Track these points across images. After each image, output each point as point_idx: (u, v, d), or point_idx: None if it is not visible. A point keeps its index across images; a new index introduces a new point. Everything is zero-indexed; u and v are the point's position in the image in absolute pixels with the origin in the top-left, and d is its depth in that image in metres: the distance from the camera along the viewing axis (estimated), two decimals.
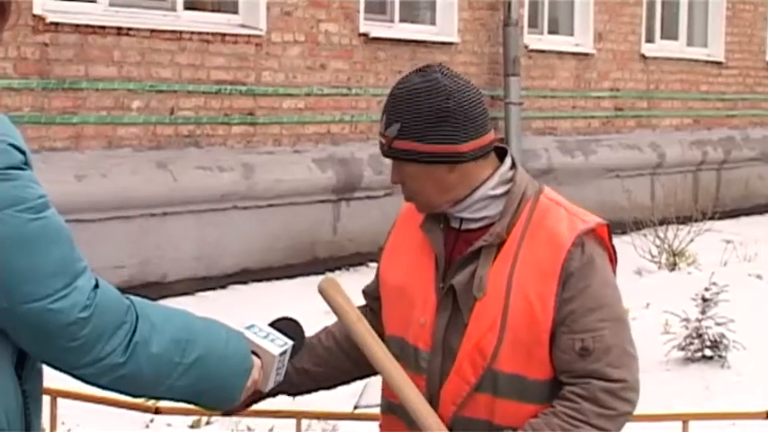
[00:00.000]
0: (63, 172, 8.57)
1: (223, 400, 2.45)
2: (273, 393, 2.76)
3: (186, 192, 9.35)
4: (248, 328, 2.57)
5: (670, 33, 15.53)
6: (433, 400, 2.62)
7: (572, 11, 13.87)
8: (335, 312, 2.69)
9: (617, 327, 2.60)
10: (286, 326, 2.63)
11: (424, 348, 2.64)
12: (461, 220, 2.67)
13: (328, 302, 2.67)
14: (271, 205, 10.06)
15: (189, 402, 2.44)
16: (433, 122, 2.55)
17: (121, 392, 2.33)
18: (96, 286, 2.23)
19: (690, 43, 15.85)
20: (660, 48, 15.13)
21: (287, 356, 2.59)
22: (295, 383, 2.88)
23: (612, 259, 2.67)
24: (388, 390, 2.75)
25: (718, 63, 15.98)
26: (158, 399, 2.39)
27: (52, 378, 4.68)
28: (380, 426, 2.86)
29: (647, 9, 14.79)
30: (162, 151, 9.38)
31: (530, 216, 2.62)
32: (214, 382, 2.39)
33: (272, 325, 2.63)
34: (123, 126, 9.15)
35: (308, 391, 2.96)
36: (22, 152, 2.20)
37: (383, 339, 2.70)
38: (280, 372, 2.58)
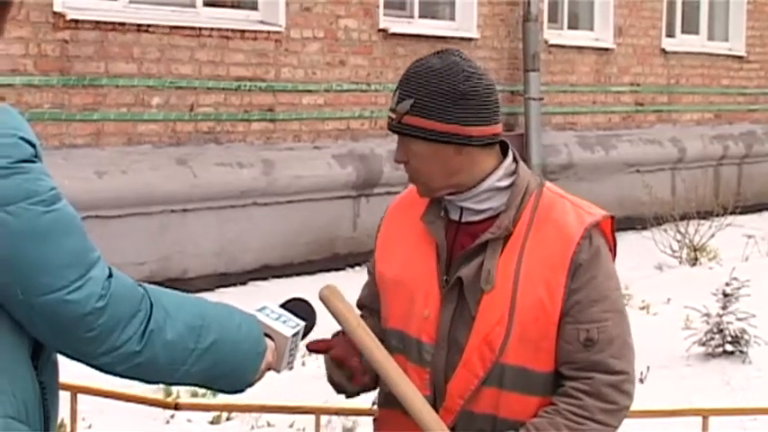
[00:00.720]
0: (83, 169, 8.60)
1: (238, 383, 2.47)
2: (356, 393, 2.79)
3: (206, 188, 9.37)
4: (260, 310, 2.59)
5: (691, 28, 15.47)
6: (439, 394, 2.62)
7: (592, 6, 13.83)
8: (336, 319, 2.68)
9: (619, 318, 2.62)
10: (297, 306, 2.65)
11: (428, 341, 2.63)
12: (462, 211, 2.66)
13: (329, 309, 2.67)
14: (290, 201, 10.07)
15: (204, 387, 2.47)
16: (445, 102, 2.55)
17: (138, 380, 2.35)
18: (110, 276, 2.25)
19: (711, 37, 15.79)
20: (681, 42, 15.07)
21: (299, 337, 2.61)
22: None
23: (613, 252, 2.68)
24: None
25: (740, 57, 15.92)
26: (174, 385, 2.40)
27: (73, 374, 4.70)
28: (377, 420, 2.85)
29: (667, 4, 14.74)
30: (182, 148, 9.40)
31: (534, 209, 2.62)
32: (228, 366, 2.41)
33: (283, 306, 2.64)
34: (143, 123, 9.18)
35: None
36: (33, 145, 2.21)
37: (383, 342, 2.69)
38: (293, 353, 2.60)
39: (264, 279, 9.79)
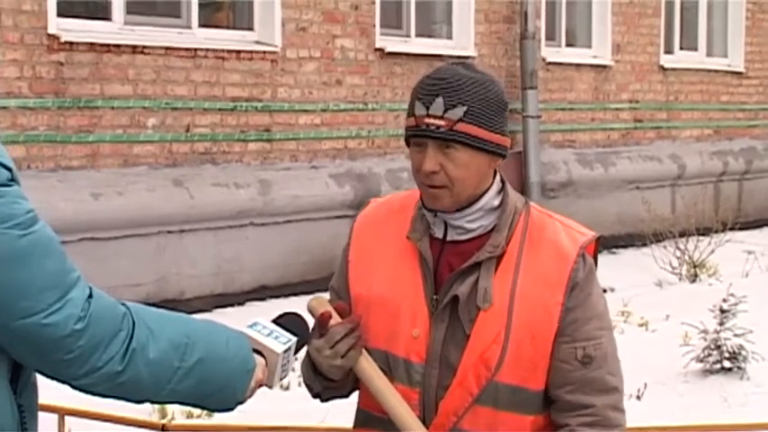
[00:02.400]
0: (79, 190, 8.61)
1: (227, 401, 2.45)
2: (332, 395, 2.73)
3: (203, 209, 9.36)
4: (251, 326, 2.57)
5: (689, 44, 15.47)
6: (429, 413, 2.59)
7: (589, 23, 13.84)
8: None
9: (610, 335, 2.65)
10: (290, 321, 2.63)
11: (418, 361, 2.59)
12: (446, 230, 2.64)
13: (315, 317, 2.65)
14: (288, 221, 10.06)
15: (193, 405, 2.45)
16: (495, 111, 2.55)
17: (123, 399, 2.33)
18: (90, 296, 2.24)
19: (709, 54, 15.78)
20: (679, 59, 15.07)
21: (291, 352, 2.59)
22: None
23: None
24: (364, 401, 2.72)
25: (739, 73, 15.91)
26: (161, 403, 2.38)
27: (59, 396, 4.68)
28: None
29: (665, 20, 14.74)
30: (178, 169, 9.40)
31: (525, 228, 2.62)
32: (216, 384, 2.40)
33: (276, 321, 2.62)
34: (139, 144, 9.17)
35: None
36: (8, 168, 2.20)
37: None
38: (285, 368, 2.58)
39: (262, 299, 9.77)
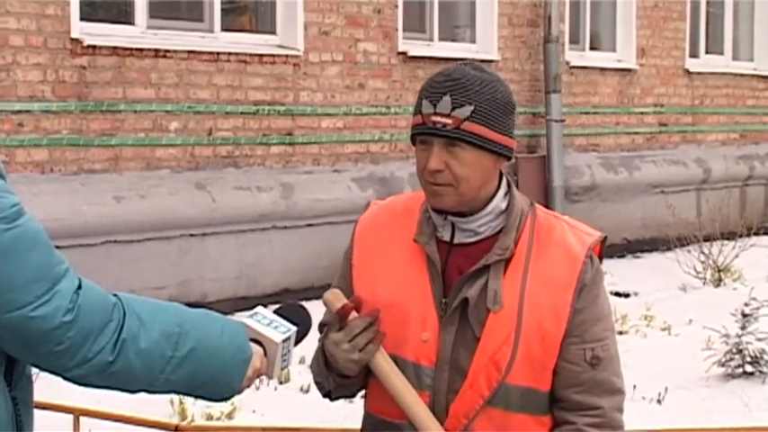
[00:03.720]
0: (102, 194, 8.64)
1: (222, 390, 2.46)
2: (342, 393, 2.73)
3: (225, 212, 9.39)
4: (251, 316, 2.57)
5: (715, 48, 15.41)
6: (440, 417, 2.58)
7: (614, 26, 13.80)
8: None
9: (614, 336, 2.67)
10: (291, 311, 2.63)
11: (428, 365, 2.59)
12: (454, 232, 2.63)
13: (332, 312, 2.64)
14: (310, 225, 10.07)
15: (189, 395, 2.45)
16: (502, 112, 2.55)
17: (117, 389, 2.34)
18: (79, 287, 2.24)
19: (735, 57, 15.71)
20: (705, 63, 15.01)
21: (291, 342, 2.59)
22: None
23: None
24: (373, 405, 2.72)
25: (765, 77, 15.82)
26: (157, 393, 2.38)
27: (74, 397, 4.70)
28: None
29: (690, 24, 14.68)
30: (200, 172, 9.43)
31: (532, 230, 2.62)
32: (211, 373, 2.40)
33: (277, 311, 2.62)
34: (161, 147, 9.21)
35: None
36: None
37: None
38: (286, 358, 2.57)
39: (294, 302, 9.76)
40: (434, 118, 2.53)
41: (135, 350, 2.27)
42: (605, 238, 2.69)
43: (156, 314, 2.34)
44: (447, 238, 2.64)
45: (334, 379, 2.67)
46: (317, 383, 2.75)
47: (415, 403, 2.57)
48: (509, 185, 2.66)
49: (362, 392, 2.81)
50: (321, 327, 2.79)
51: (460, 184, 2.55)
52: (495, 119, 2.54)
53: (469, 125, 2.51)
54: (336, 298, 2.62)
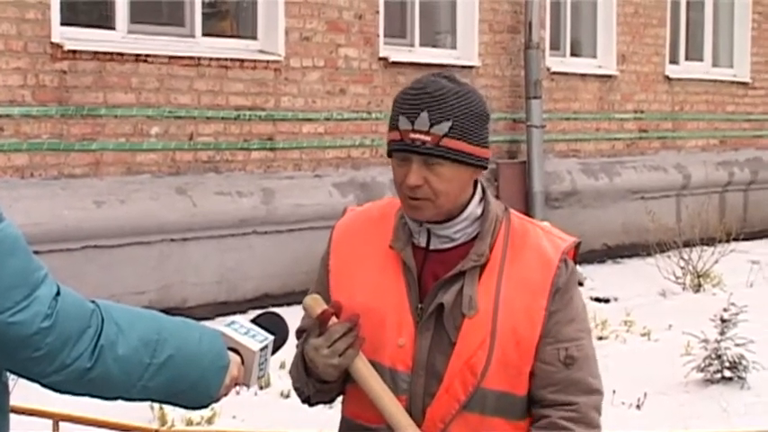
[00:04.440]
0: (82, 198, 8.63)
1: (200, 398, 2.46)
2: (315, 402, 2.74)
3: (206, 217, 9.38)
4: (228, 325, 2.58)
5: (695, 54, 15.47)
6: (416, 421, 2.59)
7: (594, 33, 13.84)
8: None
9: (590, 337, 2.69)
10: (268, 321, 2.64)
11: (404, 370, 2.60)
12: (429, 238, 2.65)
13: (312, 317, 2.64)
14: (291, 230, 10.07)
15: (166, 402, 2.45)
16: (478, 125, 2.55)
17: (95, 396, 2.34)
18: (58, 293, 2.24)
19: (715, 64, 15.78)
20: (685, 69, 15.07)
21: (269, 351, 2.60)
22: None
23: None
24: (350, 409, 2.73)
25: (744, 83, 15.90)
26: (134, 400, 2.38)
27: (53, 402, 4.68)
28: None
29: (671, 30, 14.74)
30: (181, 177, 9.42)
31: (506, 235, 2.64)
32: (189, 380, 2.40)
33: (254, 321, 2.63)
34: (142, 152, 9.19)
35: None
36: None
37: None
38: (263, 367, 2.59)
39: (264, 308, 9.72)
40: (413, 135, 2.52)
41: (113, 357, 2.27)
42: (579, 242, 2.71)
43: (135, 321, 2.34)
44: (423, 244, 2.66)
45: (314, 384, 2.69)
46: (296, 389, 2.77)
47: (394, 406, 2.58)
48: (483, 191, 2.68)
49: (341, 397, 2.82)
50: (299, 333, 2.80)
51: (439, 197, 2.56)
52: (471, 132, 2.54)
53: (448, 141, 2.52)
54: (317, 303, 2.63)
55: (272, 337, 2.60)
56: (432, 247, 2.65)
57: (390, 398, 2.58)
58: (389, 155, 2.62)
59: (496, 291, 2.58)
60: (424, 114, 2.51)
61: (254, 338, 2.56)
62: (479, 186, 2.67)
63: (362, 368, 2.60)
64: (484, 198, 2.67)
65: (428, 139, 2.51)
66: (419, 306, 2.61)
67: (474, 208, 2.63)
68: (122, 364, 2.28)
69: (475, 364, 2.55)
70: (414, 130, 2.52)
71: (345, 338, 2.57)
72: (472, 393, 2.56)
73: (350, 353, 2.58)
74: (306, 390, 2.72)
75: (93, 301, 2.31)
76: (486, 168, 2.61)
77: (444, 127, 2.51)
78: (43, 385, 2.27)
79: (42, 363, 2.21)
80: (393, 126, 2.57)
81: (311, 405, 2.80)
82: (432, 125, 2.51)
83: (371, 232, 2.73)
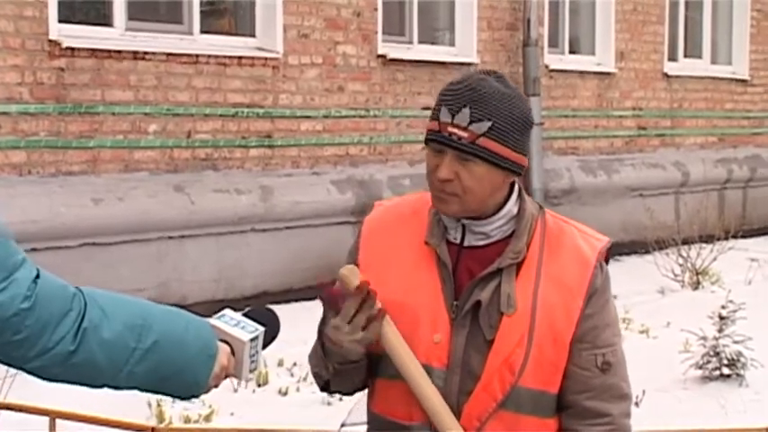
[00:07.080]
0: (80, 196, 8.62)
1: (189, 387, 2.44)
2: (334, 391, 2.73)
3: (204, 215, 9.37)
4: (219, 317, 2.57)
5: (694, 52, 15.47)
6: None
7: (593, 30, 13.84)
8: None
9: (621, 341, 2.71)
10: (259, 314, 2.63)
11: (440, 367, 2.59)
12: (464, 235, 2.64)
13: (347, 288, 2.54)
14: (289, 227, 10.07)
15: (154, 391, 2.42)
16: (519, 130, 2.54)
17: (80, 383, 2.32)
18: (38, 276, 2.23)
19: (714, 61, 15.78)
20: (683, 66, 15.07)
21: (259, 343, 2.58)
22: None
23: None
24: (379, 405, 2.71)
25: (743, 81, 15.90)
26: (121, 388, 2.36)
27: (50, 399, 4.68)
28: None
29: (669, 27, 14.73)
30: (179, 174, 9.41)
31: (543, 234, 2.64)
32: (175, 367, 2.38)
33: (246, 314, 2.62)
34: (140, 150, 9.19)
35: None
36: None
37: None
38: (254, 359, 2.57)
39: (263, 305, 9.76)
40: (451, 129, 2.52)
41: (97, 340, 2.25)
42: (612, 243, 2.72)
43: (119, 306, 2.33)
44: (457, 240, 2.65)
45: (333, 366, 2.66)
46: (314, 374, 2.75)
47: (421, 377, 2.55)
48: (520, 190, 2.68)
49: (341, 394, 2.81)
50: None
51: (466, 194, 2.55)
52: (510, 136, 2.53)
53: (485, 141, 2.51)
54: (353, 273, 2.56)
55: (262, 329, 2.58)
56: (466, 244, 2.64)
57: (417, 367, 2.56)
58: (426, 143, 2.61)
59: (534, 289, 2.58)
60: (466, 110, 2.50)
61: (245, 329, 2.55)
62: (516, 186, 2.67)
63: (392, 338, 2.57)
64: (520, 197, 2.66)
65: (465, 135, 2.50)
66: (454, 303, 2.60)
67: (511, 206, 2.63)
68: (107, 348, 2.26)
69: (513, 363, 2.55)
70: (452, 124, 2.51)
71: (363, 311, 2.54)
72: (509, 392, 2.56)
73: (374, 325, 2.55)
74: (324, 373, 2.70)
75: (76, 287, 2.30)
76: (520, 174, 2.59)
77: (483, 126, 2.50)
78: (27, 372, 2.26)
79: (23, 346, 2.20)
80: (434, 116, 2.57)
81: (331, 393, 2.78)
82: (471, 122, 2.50)
83: (403, 228, 2.71)
